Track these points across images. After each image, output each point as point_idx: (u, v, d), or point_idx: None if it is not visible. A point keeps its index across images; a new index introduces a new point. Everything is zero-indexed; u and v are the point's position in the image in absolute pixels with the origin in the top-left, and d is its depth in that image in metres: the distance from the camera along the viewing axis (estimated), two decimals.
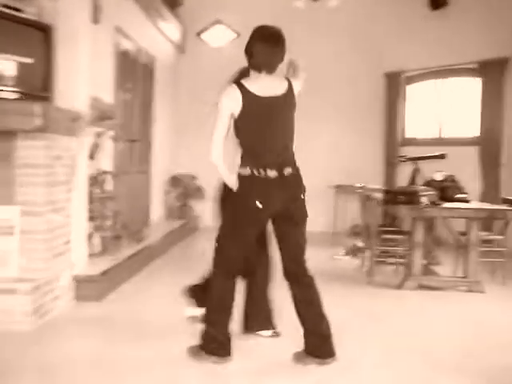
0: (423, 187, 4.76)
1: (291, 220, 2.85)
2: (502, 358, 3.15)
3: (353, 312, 3.98)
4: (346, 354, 3.00)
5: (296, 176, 2.82)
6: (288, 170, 2.77)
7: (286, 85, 2.80)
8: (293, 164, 2.82)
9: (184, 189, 7.85)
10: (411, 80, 8.16)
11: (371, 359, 3.06)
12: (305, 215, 2.86)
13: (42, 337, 3.24)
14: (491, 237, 5.18)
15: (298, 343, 2.93)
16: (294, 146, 2.85)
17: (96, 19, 4.74)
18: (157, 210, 7.48)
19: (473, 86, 7.52)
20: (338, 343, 3.25)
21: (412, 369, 2.95)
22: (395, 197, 4.61)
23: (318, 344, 2.87)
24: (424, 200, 4.48)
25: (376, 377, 2.83)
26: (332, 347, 2.89)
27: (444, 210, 4.61)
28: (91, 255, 4.60)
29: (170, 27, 7.52)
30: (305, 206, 2.86)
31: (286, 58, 2.87)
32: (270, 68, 2.79)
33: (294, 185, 2.81)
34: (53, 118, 3.50)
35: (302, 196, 2.83)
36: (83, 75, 4.13)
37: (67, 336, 3.32)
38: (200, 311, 3.18)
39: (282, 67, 2.91)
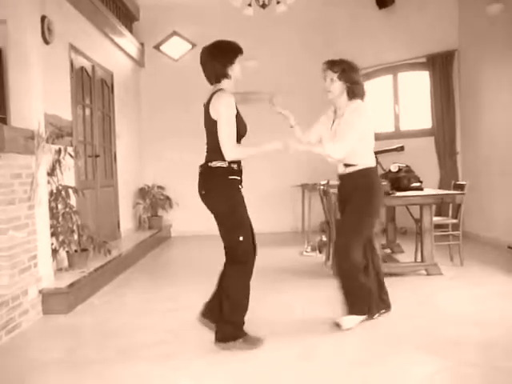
0: None
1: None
2: (455, 331, 3.33)
3: (314, 302, 4.15)
4: (304, 342, 3.22)
5: (201, 174, 3.10)
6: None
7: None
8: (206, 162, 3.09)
9: (152, 200, 7.96)
10: (368, 77, 8.40)
11: (328, 343, 3.22)
12: (213, 209, 3.07)
13: (10, 350, 3.32)
14: (446, 221, 5.41)
15: None
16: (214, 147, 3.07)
17: (47, 40, 4.85)
18: (127, 222, 7.56)
19: (425, 80, 7.80)
20: (296, 332, 3.43)
21: (370, 347, 3.12)
22: None
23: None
24: None
25: (332, 359, 2.98)
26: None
27: (395, 199, 4.80)
28: (59, 270, 4.70)
29: (127, 42, 7.64)
30: (211, 201, 3.05)
31: None
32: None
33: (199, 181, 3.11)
34: (8, 137, 3.59)
35: (203, 192, 3.07)
36: (37, 94, 4.21)
37: (34, 348, 3.41)
38: None
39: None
